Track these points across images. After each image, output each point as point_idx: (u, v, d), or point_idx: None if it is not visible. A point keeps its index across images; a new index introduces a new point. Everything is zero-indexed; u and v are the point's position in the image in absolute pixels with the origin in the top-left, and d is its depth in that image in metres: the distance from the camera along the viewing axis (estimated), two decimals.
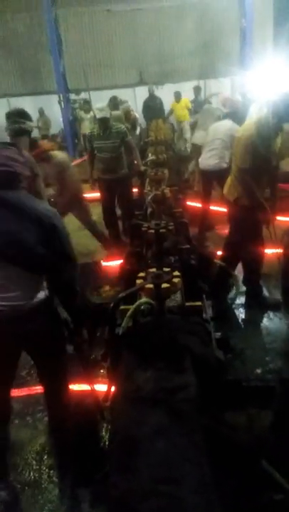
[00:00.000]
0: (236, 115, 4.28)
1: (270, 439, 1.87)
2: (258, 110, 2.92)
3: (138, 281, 1.62)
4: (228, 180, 3.10)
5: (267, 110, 2.71)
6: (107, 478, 1.03)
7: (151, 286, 1.57)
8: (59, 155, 3.72)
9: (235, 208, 2.98)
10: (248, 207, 2.90)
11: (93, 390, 2.01)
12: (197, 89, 10.04)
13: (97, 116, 4.21)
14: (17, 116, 2.64)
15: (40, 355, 1.82)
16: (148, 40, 11.79)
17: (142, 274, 1.67)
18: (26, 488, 1.89)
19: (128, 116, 5.95)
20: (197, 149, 6.42)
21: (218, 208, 4.42)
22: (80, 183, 4.07)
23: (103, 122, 4.16)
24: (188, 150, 7.39)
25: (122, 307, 1.67)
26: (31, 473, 1.97)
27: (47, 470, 1.98)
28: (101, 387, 2.02)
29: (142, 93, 10.84)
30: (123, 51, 12.06)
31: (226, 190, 3.12)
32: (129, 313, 1.57)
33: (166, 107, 9.90)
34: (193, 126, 6.49)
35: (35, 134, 11.53)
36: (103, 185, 4.52)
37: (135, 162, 4.56)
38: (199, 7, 11.07)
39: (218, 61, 11.07)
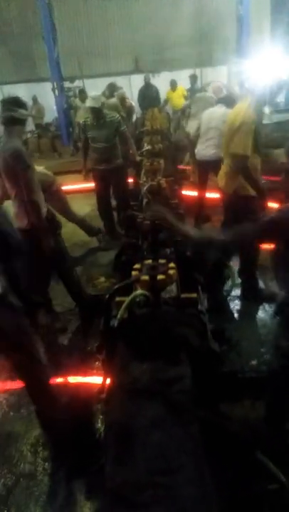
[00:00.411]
0: (229, 100, 4.14)
1: (264, 430, 1.88)
2: (249, 96, 2.82)
3: (133, 273, 1.61)
4: (222, 173, 3.03)
5: (256, 95, 2.71)
6: (102, 470, 1.02)
7: (146, 277, 1.55)
8: None
9: (235, 199, 2.94)
10: (248, 196, 2.87)
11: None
12: (193, 78, 9.91)
13: (88, 105, 4.15)
14: (10, 104, 2.56)
15: (6, 350, 1.80)
16: (144, 28, 11.58)
17: (137, 266, 1.65)
18: (21, 479, 1.89)
19: (123, 104, 5.86)
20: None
21: (214, 195, 4.37)
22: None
23: (95, 112, 4.09)
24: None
25: (117, 299, 1.66)
26: (26, 465, 1.97)
27: (42, 462, 1.98)
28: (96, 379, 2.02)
29: (137, 82, 10.69)
30: (118, 38, 11.85)
31: (221, 182, 3.05)
32: (124, 304, 1.56)
33: (162, 96, 9.78)
34: (187, 115, 6.42)
35: (29, 122, 11.38)
36: (97, 175, 4.45)
37: (130, 152, 4.50)
38: None
39: (215, 49, 10.94)
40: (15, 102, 2.58)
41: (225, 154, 3.00)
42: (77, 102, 10.14)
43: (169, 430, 1.09)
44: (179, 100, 8.94)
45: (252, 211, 2.87)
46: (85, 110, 9.78)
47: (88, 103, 4.14)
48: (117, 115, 4.34)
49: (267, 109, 2.94)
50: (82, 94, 9.79)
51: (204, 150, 4.32)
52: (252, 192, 2.86)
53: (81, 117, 9.03)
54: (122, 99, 5.88)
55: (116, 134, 4.25)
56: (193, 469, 1.01)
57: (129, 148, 4.48)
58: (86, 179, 4.60)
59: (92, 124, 4.17)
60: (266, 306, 3.14)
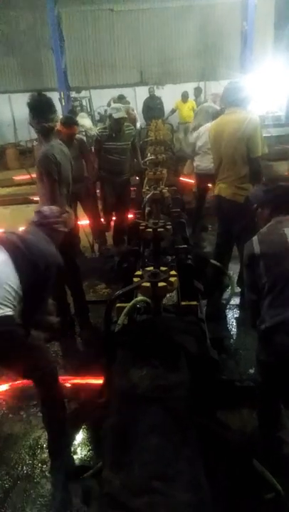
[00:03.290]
0: None
1: (259, 439, 1.90)
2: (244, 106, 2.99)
3: (135, 280, 1.63)
4: (229, 183, 2.98)
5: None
6: (100, 474, 1.03)
7: (147, 284, 1.58)
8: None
9: (246, 207, 2.92)
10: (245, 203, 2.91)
11: None
12: (198, 90, 10.07)
13: (114, 116, 3.97)
14: (41, 113, 2.59)
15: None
16: (150, 41, 11.81)
17: (138, 273, 1.68)
18: (19, 482, 1.89)
19: (128, 116, 5.97)
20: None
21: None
22: None
23: (119, 123, 3.99)
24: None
25: (118, 304, 1.68)
26: (24, 468, 1.98)
27: (40, 465, 1.98)
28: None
29: (142, 93, 10.85)
30: (125, 51, 12.06)
31: (228, 192, 3.00)
32: (125, 310, 1.59)
33: (167, 107, 9.92)
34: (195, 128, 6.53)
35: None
36: (108, 184, 4.35)
37: (135, 161, 4.53)
38: (202, 9, 11.10)
39: (219, 63, 11.12)
40: (45, 109, 2.60)
41: (230, 165, 2.96)
42: (84, 120, 10.31)
43: (167, 436, 1.10)
44: (188, 112, 9.02)
45: (247, 219, 2.92)
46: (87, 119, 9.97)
47: (115, 114, 3.99)
48: (133, 127, 4.33)
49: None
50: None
51: (204, 163, 4.36)
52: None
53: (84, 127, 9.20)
54: (128, 113, 5.99)
55: (131, 147, 4.24)
56: (190, 476, 1.02)
57: (136, 158, 4.50)
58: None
59: (111, 135, 4.08)
60: None
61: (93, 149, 4.40)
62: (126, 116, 4.02)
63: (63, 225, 2.14)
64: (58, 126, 4.15)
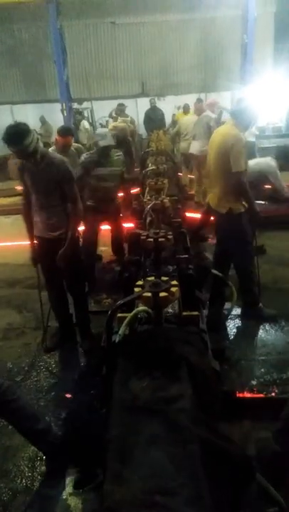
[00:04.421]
0: None
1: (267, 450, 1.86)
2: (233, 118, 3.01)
3: (136, 290, 1.63)
4: (215, 193, 3.08)
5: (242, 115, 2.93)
6: (100, 487, 1.02)
7: (149, 294, 1.57)
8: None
9: (228, 218, 3.00)
10: (241, 214, 2.96)
11: None
12: (199, 102, 10.16)
13: (101, 143, 3.67)
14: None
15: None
16: (151, 53, 12.00)
17: (140, 283, 1.68)
18: (18, 495, 1.87)
19: (128, 129, 6.08)
20: (193, 158, 6.64)
21: None
22: None
23: (105, 151, 3.71)
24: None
25: (119, 315, 1.68)
26: (23, 481, 1.95)
27: (39, 477, 1.96)
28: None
29: (143, 104, 11.00)
30: (126, 63, 12.25)
31: (214, 202, 3.11)
32: (126, 320, 1.58)
33: (167, 118, 10.03)
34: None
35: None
36: (96, 214, 3.86)
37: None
38: (202, 22, 11.31)
39: (219, 75, 11.26)
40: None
41: (215, 176, 3.06)
42: (85, 123, 10.47)
43: (168, 449, 1.08)
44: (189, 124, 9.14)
45: (244, 230, 2.97)
46: (84, 131, 10.10)
47: (102, 142, 3.67)
48: (121, 153, 4.10)
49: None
50: (79, 115, 10.15)
51: None
52: (242, 208, 2.96)
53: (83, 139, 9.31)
54: (124, 128, 6.12)
55: (126, 155, 4.15)
56: (192, 489, 1.00)
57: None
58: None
59: (98, 161, 3.73)
60: (266, 325, 3.16)
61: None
62: (113, 143, 3.84)
63: None
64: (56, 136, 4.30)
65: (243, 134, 2.95)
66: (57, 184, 2.63)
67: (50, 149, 3.41)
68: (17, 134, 2.43)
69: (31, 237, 2.86)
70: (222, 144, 2.89)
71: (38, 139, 2.54)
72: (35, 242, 2.86)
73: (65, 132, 4.15)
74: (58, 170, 2.61)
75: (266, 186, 5.33)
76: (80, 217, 2.90)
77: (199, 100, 9.86)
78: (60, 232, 2.73)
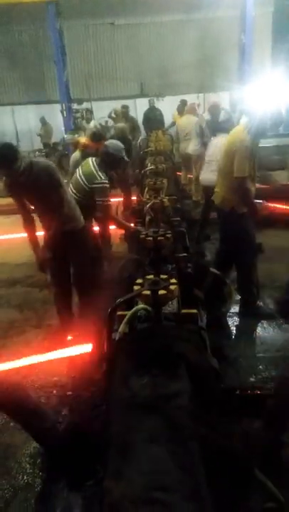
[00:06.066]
0: (228, 125, 4.28)
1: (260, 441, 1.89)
2: (245, 120, 2.98)
3: (135, 288, 1.65)
4: (219, 192, 3.15)
5: (253, 121, 2.85)
6: (100, 484, 1.04)
7: (148, 292, 1.59)
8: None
9: (231, 216, 3.04)
10: (243, 214, 2.99)
11: None
12: (185, 104, 10.16)
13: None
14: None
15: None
16: (150, 54, 12.05)
17: (139, 281, 1.69)
18: (19, 492, 1.89)
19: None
20: (188, 159, 6.65)
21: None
22: None
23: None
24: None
25: (119, 312, 1.69)
26: (25, 477, 1.97)
27: (40, 474, 1.98)
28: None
29: (142, 104, 11.02)
30: (125, 63, 12.29)
31: (218, 200, 3.16)
32: (125, 318, 1.60)
33: (166, 119, 10.05)
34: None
35: (37, 141, 11.70)
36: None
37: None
38: (200, 23, 11.35)
39: (218, 75, 11.29)
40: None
41: (221, 175, 3.13)
42: (84, 123, 10.47)
43: (167, 446, 1.09)
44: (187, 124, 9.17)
45: (247, 229, 3.00)
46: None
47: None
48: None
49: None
50: (88, 114, 10.16)
51: (209, 175, 4.45)
52: (245, 208, 3.00)
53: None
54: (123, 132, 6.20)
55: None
56: (191, 486, 1.00)
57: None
58: None
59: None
60: (265, 323, 3.18)
61: None
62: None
63: None
64: (85, 140, 4.72)
65: (257, 138, 2.91)
66: (51, 187, 2.62)
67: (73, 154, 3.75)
68: (6, 157, 2.36)
69: (35, 244, 2.84)
70: (229, 145, 2.95)
71: (23, 156, 2.49)
72: (41, 244, 2.83)
73: (98, 138, 4.61)
74: (47, 173, 2.57)
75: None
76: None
77: (184, 102, 9.88)
78: (73, 224, 2.79)
